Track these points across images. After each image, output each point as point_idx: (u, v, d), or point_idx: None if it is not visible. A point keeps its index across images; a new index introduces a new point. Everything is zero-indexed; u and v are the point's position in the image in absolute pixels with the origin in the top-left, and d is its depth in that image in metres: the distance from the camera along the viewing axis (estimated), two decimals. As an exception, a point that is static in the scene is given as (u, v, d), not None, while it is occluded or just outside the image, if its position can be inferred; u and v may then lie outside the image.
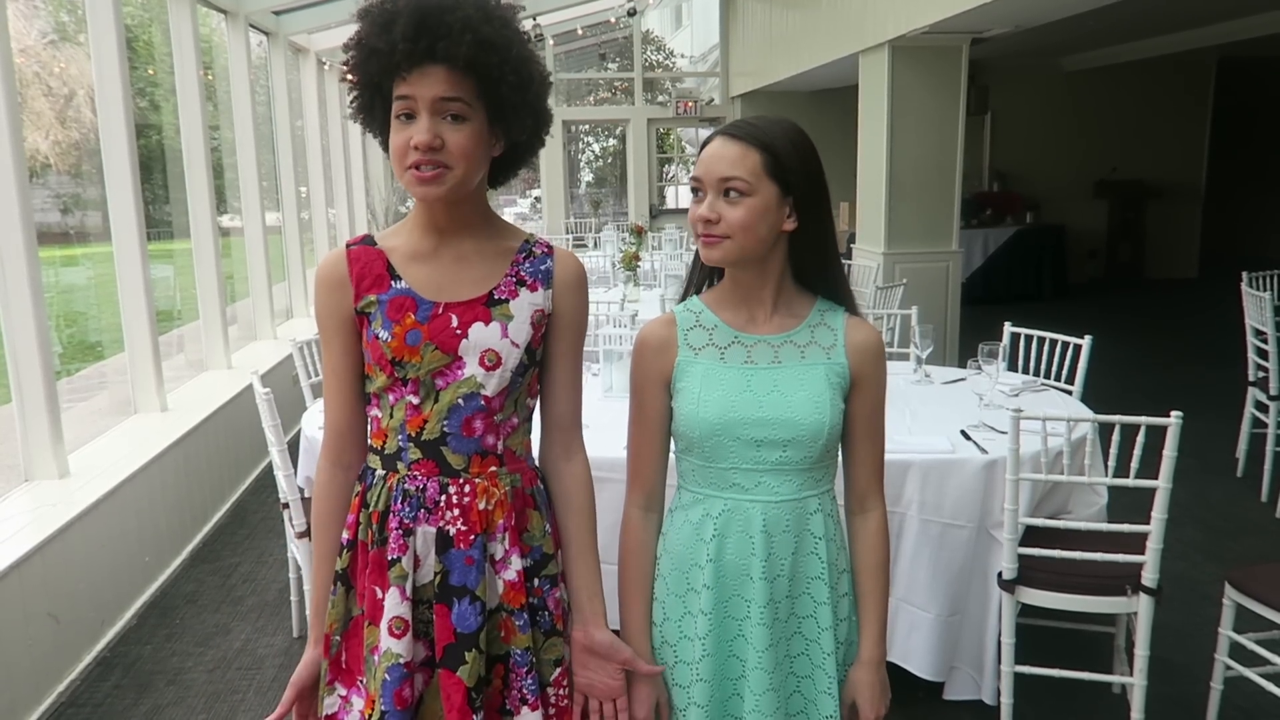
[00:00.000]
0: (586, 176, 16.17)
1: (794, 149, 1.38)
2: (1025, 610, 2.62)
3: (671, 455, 1.56)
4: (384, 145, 1.39)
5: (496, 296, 1.41)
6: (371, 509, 1.42)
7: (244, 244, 6.24)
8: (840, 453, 1.52)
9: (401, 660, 1.38)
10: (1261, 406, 4.48)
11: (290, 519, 3.01)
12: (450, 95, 1.29)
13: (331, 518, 1.46)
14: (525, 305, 1.42)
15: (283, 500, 3.04)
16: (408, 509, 1.40)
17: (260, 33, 6.80)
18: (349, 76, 1.36)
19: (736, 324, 1.46)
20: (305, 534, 2.97)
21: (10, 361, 3.29)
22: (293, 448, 3.09)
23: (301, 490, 3.13)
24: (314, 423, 3.14)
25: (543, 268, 1.44)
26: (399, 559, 1.39)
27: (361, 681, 1.44)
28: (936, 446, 2.69)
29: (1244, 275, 4.73)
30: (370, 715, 1.39)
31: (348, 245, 1.43)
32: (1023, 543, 2.50)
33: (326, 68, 8.75)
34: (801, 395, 1.42)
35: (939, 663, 2.74)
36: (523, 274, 1.43)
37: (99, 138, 4.12)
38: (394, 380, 1.39)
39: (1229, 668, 2.60)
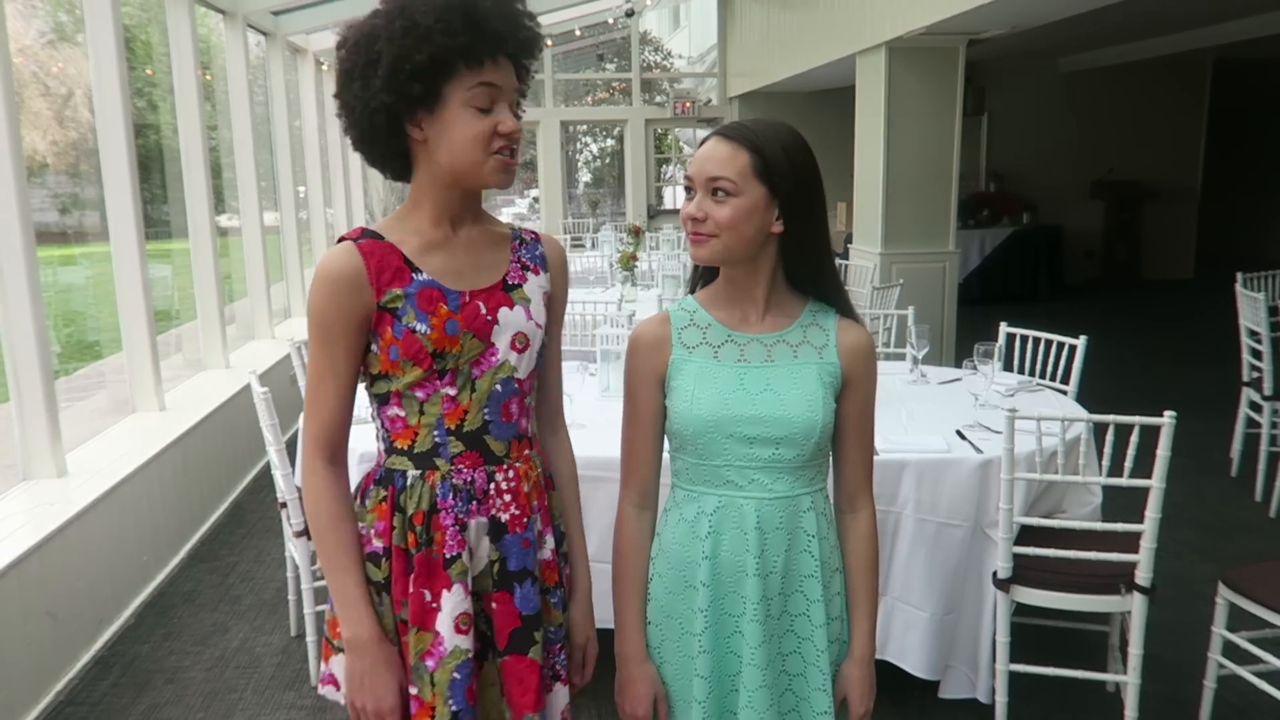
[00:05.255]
0: (584, 177, 16.18)
1: (784, 152, 1.38)
2: (1020, 609, 2.63)
3: (665, 455, 1.56)
4: (386, 120, 1.32)
5: (510, 282, 1.44)
6: (411, 512, 1.39)
7: (242, 244, 6.24)
8: (830, 452, 1.53)
9: (469, 655, 1.39)
10: (1256, 406, 4.50)
11: (288, 518, 3.02)
12: (518, 87, 1.38)
13: (348, 509, 1.40)
14: (536, 288, 1.47)
15: (280, 500, 3.05)
16: (459, 503, 1.40)
17: (258, 33, 6.80)
18: (411, 52, 1.27)
19: (730, 323, 1.47)
20: (303, 533, 2.98)
21: (9, 361, 3.29)
22: (290, 447, 3.10)
23: (299, 490, 3.14)
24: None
25: (538, 253, 1.50)
26: (459, 555, 1.38)
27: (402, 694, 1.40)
28: (932, 446, 2.70)
29: (1239, 276, 4.75)
30: None
31: (354, 240, 1.36)
32: (1018, 542, 2.52)
33: (324, 68, 8.75)
34: (795, 394, 1.42)
35: (934, 661, 2.75)
36: (524, 260, 1.47)
37: (97, 137, 4.13)
38: (430, 374, 1.36)
39: (1222, 666, 2.62)
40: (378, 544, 1.40)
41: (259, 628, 3.44)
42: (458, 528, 1.39)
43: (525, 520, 1.44)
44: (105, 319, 4.84)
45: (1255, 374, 4.45)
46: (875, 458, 1.59)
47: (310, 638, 3.04)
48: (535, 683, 1.43)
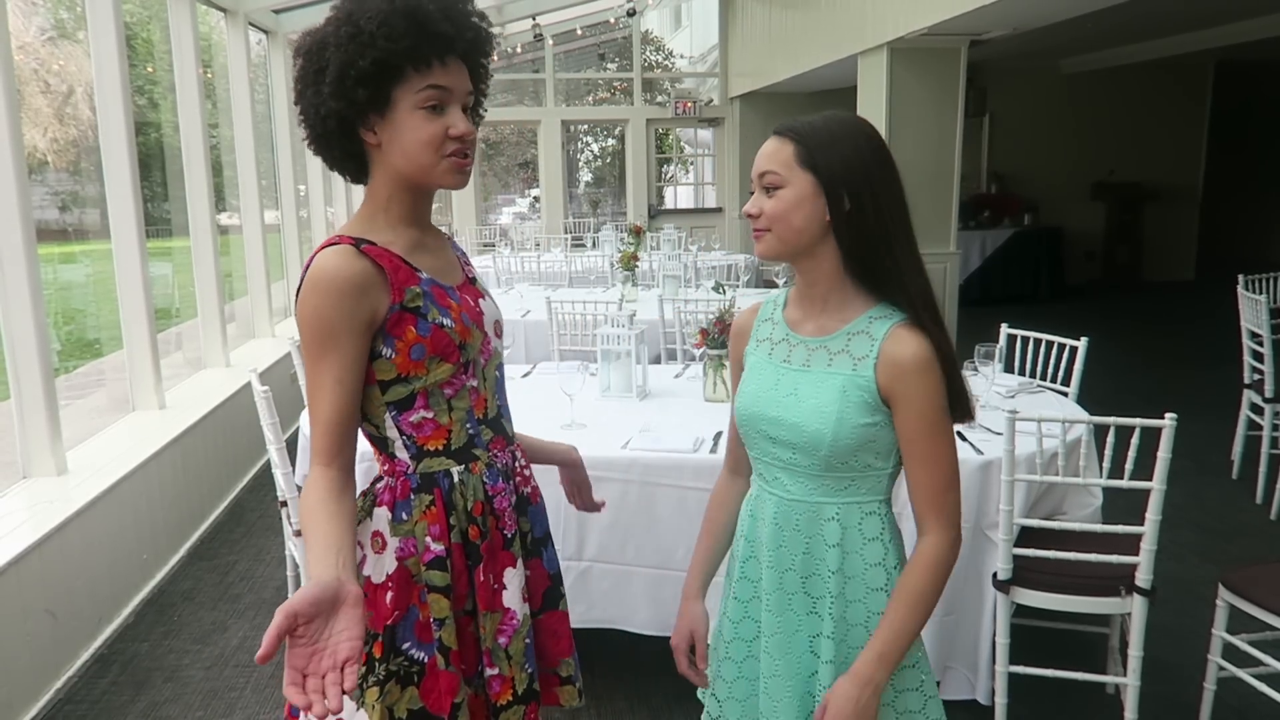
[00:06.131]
0: (585, 176, 16.17)
1: (831, 138, 1.36)
2: (1020, 610, 2.63)
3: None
4: (338, 124, 1.33)
5: (468, 275, 1.51)
6: (469, 505, 1.42)
7: (242, 242, 6.24)
8: (880, 468, 1.44)
9: (531, 620, 1.49)
10: (1257, 409, 4.50)
11: (288, 517, 3.02)
12: (470, 90, 1.39)
13: (334, 500, 1.28)
14: (481, 279, 1.56)
15: (280, 498, 3.05)
16: (505, 484, 1.47)
17: (260, 31, 6.81)
18: (355, 58, 1.28)
19: (792, 321, 1.48)
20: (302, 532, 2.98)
21: (9, 358, 3.29)
22: (290, 446, 3.10)
23: (300, 488, 3.14)
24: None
25: (462, 248, 1.59)
26: (516, 533, 1.47)
27: (474, 680, 1.45)
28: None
29: (1240, 278, 4.75)
30: (516, 689, 1.45)
31: (355, 245, 1.33)
32: (1018, 543, 2.52)
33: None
34: (812, 403, 1.40)
35: (933, 662, 2.75)
36: (460, 255, 1.55)
37: (97, 135, 4.13)
38: (458, 367, 1.39)
39: (1222, 668, 2.61)
40: (438, 548, 1.39)
41: (258, 626, 3.44)
42: (510, 508, 1.47)
43: (539, 491, 1.56)
44: (105, 316, 4.84)
45: (1256, 376, 4.45)
46: None
47: (309, 636, 3.03)
48: (567, 630, 1.57)
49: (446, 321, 1.37)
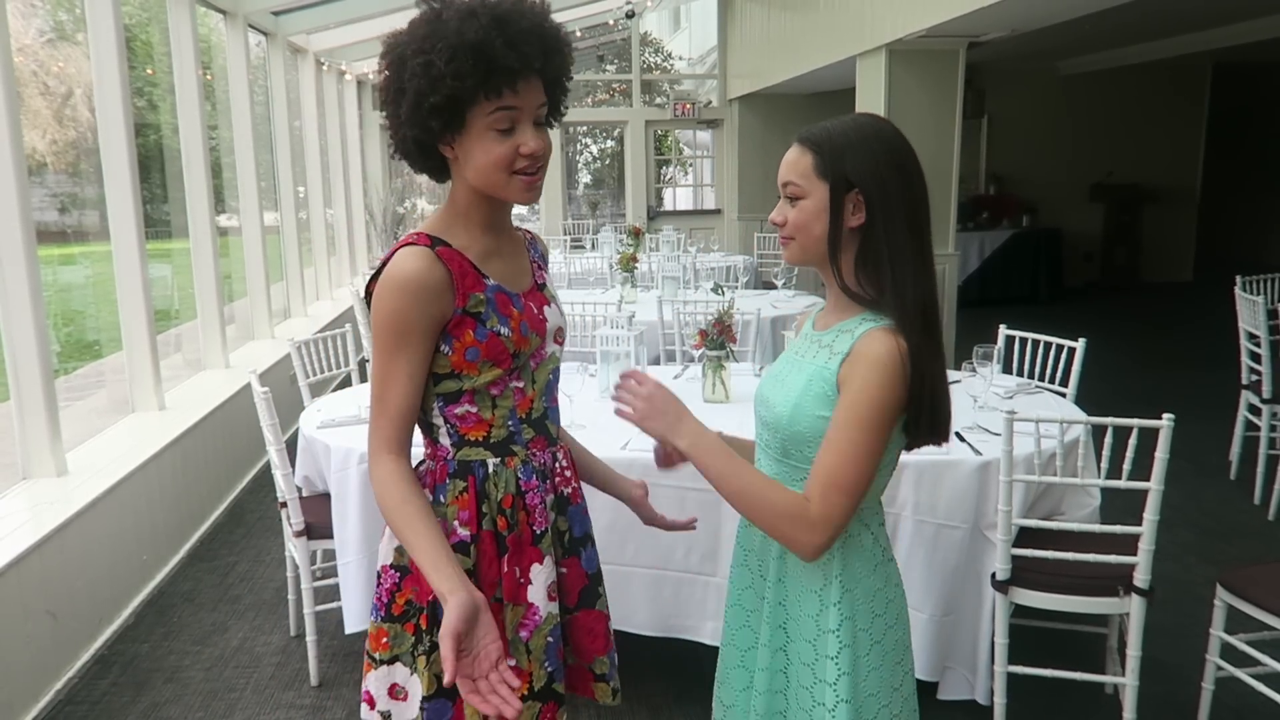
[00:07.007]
0: (584, 178, 16.18)
1: (849, 149, 1.37)
2: (1018, 611, 2.63)
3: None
4: (416, 145, 1.39)
5: (539, 282, 1.55)
6: (499, 497, 1.47)
7: (242, 243, 6.25)
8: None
9: (558, 619, 1.52)
10: (1254, 410, 4.51)
11: (288, 518, 3.02)
12: (543, 102, 1.40)
13: (418, 487, 1.40)
14: (551, 284, 1.59)
15: (280, 499, 3.06)
16: (540, 483, 1.51)
17: (259, 33, 6.81)
18: (428, 92, 1.32)
19: (817, 318, 1.52)
20: (303, 533, 2.98)
21: (9, 360, 3.30)
22: (290, 447, 3.10)
23: (300, 490, 3.14)
24: (312, 422, 3.15)
25: (539, 251, 1.62)
26: (546, 530, 1.50)
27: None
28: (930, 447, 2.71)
29: (1238, 279, 4.76)
30: (532, 684, 1.48)
31: (428, 247, 1.39)
32: (1016, 544, 2.52)
33: (325, 68, 8.76)
34: (787, 385, 1.45)
35: (933, 662, 2.76)
36: (535, 260, 1.58)
37: (97, 137, 4.13)
38: (507, 372, 1.44)
39: (1220, 668, 2.62)
40: (464, 533, 1.45)
41: (258, 627, 3.44)
42: (543, 505, 1.50)
43: (580, 491, 1.61)
44: (105, 318, 4.84)
45: (1254, 377, 4.46)
46: None
47: (310, 637, 3.04)
48: (604, 629, 1.60)
49: (504, 331, 1.42)
